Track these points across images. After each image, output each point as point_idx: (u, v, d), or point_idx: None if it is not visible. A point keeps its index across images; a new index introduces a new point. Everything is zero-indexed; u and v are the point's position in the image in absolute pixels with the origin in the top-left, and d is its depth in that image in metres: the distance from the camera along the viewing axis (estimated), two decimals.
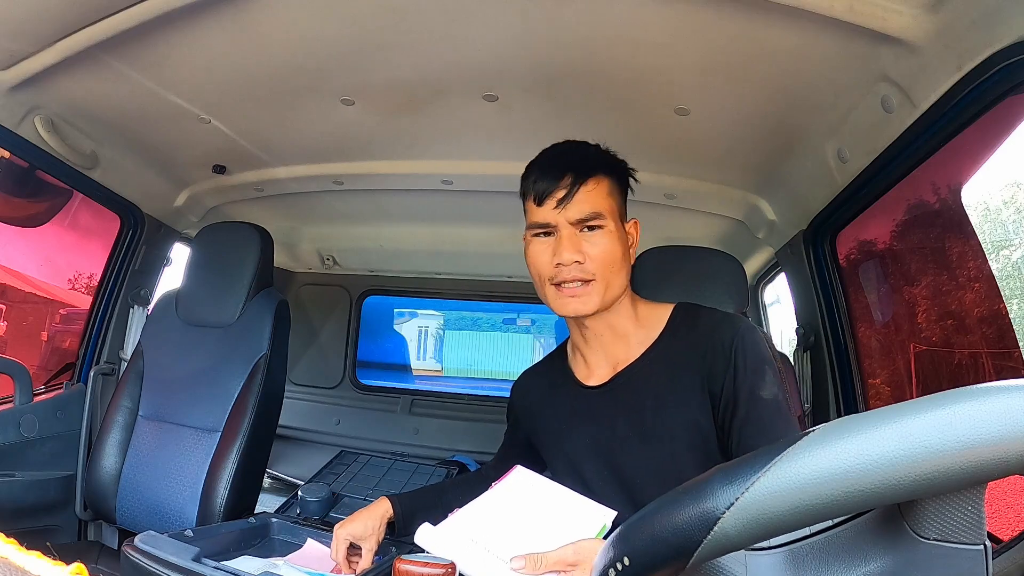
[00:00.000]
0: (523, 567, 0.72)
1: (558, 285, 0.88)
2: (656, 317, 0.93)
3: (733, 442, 0.83)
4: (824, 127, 1.31)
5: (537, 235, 0.90)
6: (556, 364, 1.03)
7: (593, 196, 0.87)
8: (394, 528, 1.04)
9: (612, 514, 0.82)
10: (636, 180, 0.98)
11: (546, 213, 0.88)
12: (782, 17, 0.99)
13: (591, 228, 0.87)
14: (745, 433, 0.82)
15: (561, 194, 0.87)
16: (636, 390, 0.90)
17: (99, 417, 1.75)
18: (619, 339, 0.92)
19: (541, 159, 0.93)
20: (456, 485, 1.14)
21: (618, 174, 0.92)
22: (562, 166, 0.88)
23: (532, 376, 1.09)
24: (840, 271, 1.63)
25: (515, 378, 1.14)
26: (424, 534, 0.79)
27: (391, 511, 1.03)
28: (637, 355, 0.91)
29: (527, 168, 0.94)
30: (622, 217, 0.92)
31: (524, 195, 0.92)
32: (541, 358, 1.13)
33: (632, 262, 0.92)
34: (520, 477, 0.92)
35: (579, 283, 0.87)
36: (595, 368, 0.95)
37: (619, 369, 0.92)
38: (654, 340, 0.91)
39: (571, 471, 0.97)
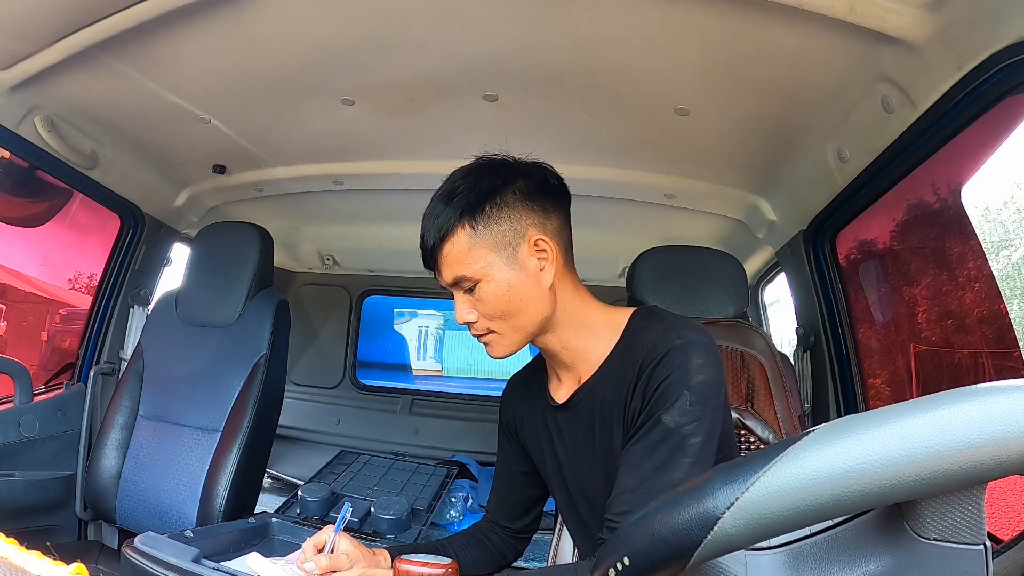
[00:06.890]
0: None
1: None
2: (614, 326, 0.87)
3: (621, 460, 0.78)
4: (824, 127, 1.31)
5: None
6: (536, 376, 0.99)
7: (450, 260, 0.82)
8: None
9: None
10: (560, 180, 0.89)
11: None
12: (782, 17, 0.99)
13: (468, 290, 0.83)
14: (630, 452, 0.77)
15: (430, 265, 0.85)
16: (589, 408, 0.87)
17: (99, 417, 1.75)
18: (578, 354, 0.88)
19: None
20: (453, 540, 1.05)
21: (473, 212, 0.82)
22: (423, 235, 0.85)
23: (516, 388, 1.05)
24: (840, 271, 1.63)
25: None
26: (254, 561, 0.88)
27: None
28: (595, 369, 0.87)
29: None
30: (507, 248, 0.82)
31: None
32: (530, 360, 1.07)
33: (553, 277, 0.84)
34: None
35: (483, 334, 0.86)
36: (564, 383, 0.92)
37: (580, 384, 0.89)
38: (608, 353, 0.86)
39: (554, 491, 0.97)
